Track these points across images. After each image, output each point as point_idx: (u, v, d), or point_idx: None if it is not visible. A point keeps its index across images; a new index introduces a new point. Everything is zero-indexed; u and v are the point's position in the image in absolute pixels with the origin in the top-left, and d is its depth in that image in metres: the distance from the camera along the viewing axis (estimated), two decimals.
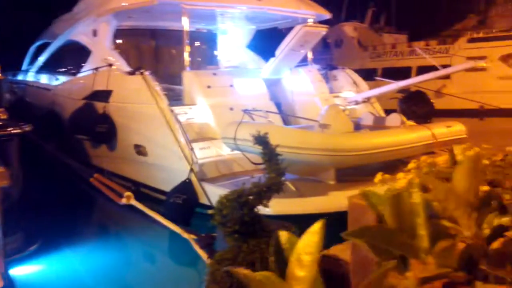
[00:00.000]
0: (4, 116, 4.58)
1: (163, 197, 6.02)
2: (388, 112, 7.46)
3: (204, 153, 6.39)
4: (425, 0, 31.03)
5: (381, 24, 28.21)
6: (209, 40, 10.49)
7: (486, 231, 0.74)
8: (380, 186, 1.46)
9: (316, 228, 0.61)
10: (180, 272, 4.93)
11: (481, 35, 19.95)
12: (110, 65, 7.70)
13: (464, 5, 26.40)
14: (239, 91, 7.62)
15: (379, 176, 1.51)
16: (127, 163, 7.46)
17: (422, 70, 11.15)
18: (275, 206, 4.71)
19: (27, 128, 5.54)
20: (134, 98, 7.00)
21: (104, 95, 7.56)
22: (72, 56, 9.96)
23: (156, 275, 4.99)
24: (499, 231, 0.73)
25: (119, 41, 9.28)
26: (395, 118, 6.70)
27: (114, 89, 7.43)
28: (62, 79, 10.22)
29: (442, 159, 1.55)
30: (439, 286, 0.66)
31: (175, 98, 7.63)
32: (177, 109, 6.71)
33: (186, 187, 5.72)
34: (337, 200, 4.49)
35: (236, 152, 6.19)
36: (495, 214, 0.77)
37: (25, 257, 4.80)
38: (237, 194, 2.25)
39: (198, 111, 7.15)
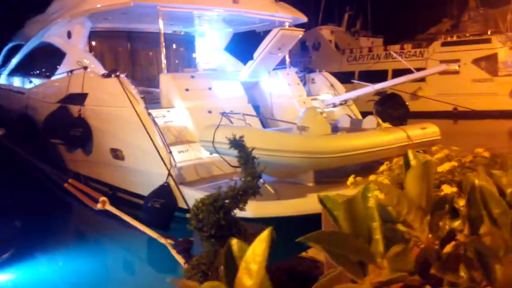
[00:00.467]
0: None
1: (141, 202, 5.94)
2: (365, 114, 7.57)
3: (182, 156, 6.34)
4: (400, 4, 31.69)
5: (357, 27, 28.67)
6: (187, 42, 10.44)
7: (440, 235, 0.75)
8: (353, 188, 1.47)
9: (264, 236, 0.61)
10: (157, 278, 4.87)
11: (454, 39, 20.49)
12: (85, 67, 7.57)
13: (438, 10, 27.09)
14: (217, 94, 7.60)
15: (351, 179, 1.52)
16: (104, 168, 7.33)
17: (398, 73, 11.35)
18: (254, 209, 4.76)
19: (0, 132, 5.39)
20: (110, 101, 6.90)
21: (79, 98, 7.42)
22: (46, 59, 9.75)
23: (133, 281, 4.92)
24: (451, 234, 0.75)
25: (94, 43, 9.13)
26: (371, 121, 6.79)
27: (90, 92, 7.31)
28: (36, 82, 9.99)
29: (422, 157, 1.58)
30: None
31: (152, 101, 7.56)
32: (154, 112, 6.64)
33: (164, 191, 5.65)
34: (315, 202, 4.50)
35: (214, 155, 6.16)
36: (447, 218, 0.79)
37: None
38: (213, 198, 2.24)
39: (176, 114, 7.10)
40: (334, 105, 8.86)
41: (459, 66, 15.75)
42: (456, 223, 0.79)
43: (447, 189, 1.15)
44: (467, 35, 20.81)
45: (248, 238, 2.41)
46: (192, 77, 7.71)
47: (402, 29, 27.73)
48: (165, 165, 5.82)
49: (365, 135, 5.86)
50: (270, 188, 5.21)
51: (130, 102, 6.33)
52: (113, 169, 7.07)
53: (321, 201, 0.76)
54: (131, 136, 6.48)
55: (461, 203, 0.83)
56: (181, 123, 7.05)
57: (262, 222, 3.39)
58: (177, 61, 10.44)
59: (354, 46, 24.85)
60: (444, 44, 20.19)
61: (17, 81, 11.58)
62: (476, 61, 18.96)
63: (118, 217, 4.71)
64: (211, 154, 6.21)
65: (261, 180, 2.57)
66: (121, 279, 4.99)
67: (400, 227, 0.72)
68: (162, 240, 3.61)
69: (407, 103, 9.45)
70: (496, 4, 21.87)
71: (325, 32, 25.27)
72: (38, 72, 10.57)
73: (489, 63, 18.99)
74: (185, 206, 5.47)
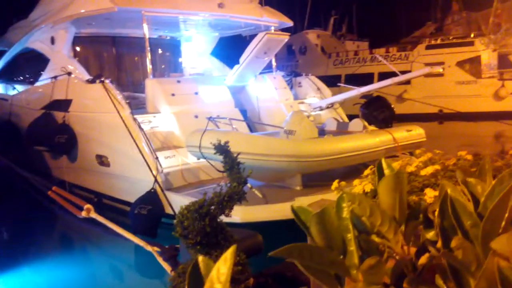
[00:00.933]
0: None
1: (127, 208, 5.87)
2: (352, 117, 7.60)
3: (169, 162, 6.28)
4: (385, 8, 32.07)
5: (343, 31, 28.92)
6: (173, 47, 10.40)
7: (415, 245, 0.74)
8: (337, 193, 1.46)
9: (228, 254, 0.59)
10: (144, 286, 4.81)
11: (438, 42, 20.79)
12: (69, 73, 7.47)
13: (422, 13, 27.49)
14: (204, 98, 7.57)
15: (335, 184, 1.51)
16: (89, 174, 7.24)
17: (384, 76, 11.46)
18: (242, 214, 4.73)
19: None
20: (95, 107, 6.82)
21: (63, 104, 7.33)
22: (30, 65, 9.62)
23: None
24: (426, 245, 0.73)
25: (78, 48, 9.04)
26: (357, 123, 6.82)
27: (74, 98, 7.22)
28: (19, 88, 9.85)
29: (397, 165, 1.58)
30: None
31: (138, 106, 7.49)
32: (140, 117, 6.58)
33: (151, 198, 5.59)
34: (303, 205, 4.51)
35: (202, 160, 6.12)
36: (421, 228, 0.77)
37: None
38: (198, 204, 2.21)
39: (162, 119, 7.04)
40: (321, 109, 8.89)
41: (443, 68, 15.98)
42: (431, 234, 0.78)
43: (430, 193, 1.14)
44: (451, 38, 21.13)
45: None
46: (178, 81, 7.66)
47: (387, 32, 28.09)
48: (151, 171, 5.76)
49: (352, 138, 5.88)
50: (258, 192, 5.19)
51: (115, 107, 6.26)
52: (99, 175, 6.98)
53: (293, 211, 0.74)
54: (117, 142, 6.41)
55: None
56: (167, 128, 7.00)
57: (250, 227, 3.37)
58: (163, 66, 10.38)
59: (340, 49, 25.04)
60: (429, 47, 20.47)
61: (0, 88, 11.39)
62: (460, 64, 19.26)
63: (104, 225, 4.65)
64: (198, 159, 6.16)
65: (249, 185, 2.55)
66: (107, 287, 4.91)
67: (375, 238, 0.71)
68: (149, 248, 3.57)
69: (392, 106, 9.54)
70: (478, 7, 22.26)
71: (311, 36, 25.43)
72: (21, 78, 10.42)
73: (473, 66, 19.30)
74: (172, 212, 5.42)
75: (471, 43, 19.51)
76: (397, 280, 0.67)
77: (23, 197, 7.69)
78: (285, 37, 7.98)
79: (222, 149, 2.40)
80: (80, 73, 7.51)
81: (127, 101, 6.54)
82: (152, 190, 5.64)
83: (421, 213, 0.77)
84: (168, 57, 10.54)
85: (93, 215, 4.09)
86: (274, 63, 9.24)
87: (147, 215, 5.34)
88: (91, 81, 6.88)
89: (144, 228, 5.25)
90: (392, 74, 8.72)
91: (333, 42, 26.31)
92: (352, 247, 0.65)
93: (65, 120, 7.19)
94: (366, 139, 5.84)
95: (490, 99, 18.20)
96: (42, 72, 8.54)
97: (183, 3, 7.58)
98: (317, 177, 5.57)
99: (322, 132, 6.86)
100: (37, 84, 8.68)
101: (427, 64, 16.32)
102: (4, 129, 9.29)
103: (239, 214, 4.68)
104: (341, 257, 0.65)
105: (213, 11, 7.78)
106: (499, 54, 19.30)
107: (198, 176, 6.41)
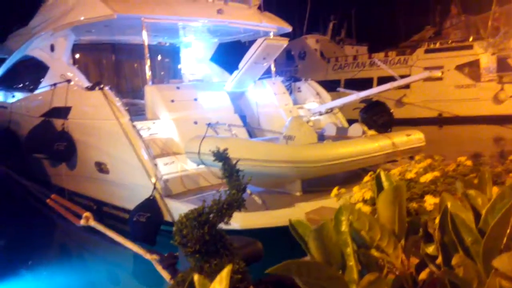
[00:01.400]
0: None
1: (126, 216, 5.84)
2: (352, 121, 7.60)
3: (168, 168, 6.26)
4: (384, 12, 32.18)
5: (342, 36, 29.00)
6: (172, 53, 10.41)
7: (416, 258, 0.72)
8: (336, 200, 1.45)
9: (223, 274, 0.57)
10: None
11: (437, 45, 20.84)
12: (69, 80, 7.47)
13: (421, 18, 27.58)
14: (203, 104, 7.56)
15: (335, 191, 1.49)
16: (89, 182, 7.21)
17: (383, 80, 11.47)
18: (242, 221, 4.70)
19: None
20: (94, 114, 6.81)
21: (63, 111, 7.32)
22: (29, 72, 9.62)
23: None
24: (426, 260, 0.72)
25: (78, 56, 9.05)
26: (356, 128, 6.81)
27: (73, 105, 7.21)
28: (19, 96, 9.85)
29: (397, 171, 1.56)
30: None
31: (138, 113, 7.48)
32: (139, 124, 6.57)
33: (150, 205, 5.57)
34: (303, 211, 4.49)
35: (201, 166, 6.10)
36: (421, 243, 0.76)
37: None
38: (196, 212, 2.19)
39: (161, 125, 7.03)
40: (320, 114, 8.88)
41: (442, 72, 15.99)
42: (431, 248, 0.76)
43: (430, 200, 1.13)
44: (450, 42, 21.19)
45: (234, 253, 2.37)
46: (178, 88, 7.66)
47: (386, 37, 28.17)
48: (151, 178, 5.74)
49: (351, 143, 5.87)
50: (257, 198, 5.17)
51: (114, 114, 6.25)
52: (98, 183, 6.96)
53: (291, 226, 0.72)
54: (116, 149, 6.39)
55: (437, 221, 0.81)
56: (166, 134, 6.99)
57: (250, 234, 3.34)
58: (162, 73, 10.39)
59: (339, 54, 25.11)
60: (428, 51, 20.52)
61: None
62: (459, 68, 19.29)
63: (103, 233, 4.61)
64: (197, 165, 6.15)
65: (248, 191, 2.53)
66: None
67: (374, 252, 0.69)
68: (147, 256, 3.54)
69: (392, 110, 9.54)
70: (477, 11, 22.34)
71: (311, 41, 25.51)
72: (21, 86, 10.42)
73: (472, 69, 19.33)
74: (171, 220, 5.39)
75: (470, 47, 19.56)
76: None
77: (22, 205, 7.67)
78: (284, 43, 7.99)
79: (221, 156, 2.38)
80: (80, 80, 7.51)
81: (126, 108, 6.54)
82: (151, 197, 5.62)
83: (421, 227, 0.75)
84: (167, 63, 10.56)
85: (92, 223, 4.06)
86: (273, 69, 9.25)
87: (146, 222, 5.32)
88: (91, 88, 6.88)
89: (143, 235, 5.22)
90: (391, 79, 8.74)
91: (332, 47, 26.38)
92: (351, 262, 0.63)
93: (65, 127, 7.18)
94: (365, 144, 5.82)
95: (489, 103, 18.21)
96: (41, 80, 8.54)
97: (182, 9, 7.60)
98: (317, 183, 5.56)
99: (321, 137, 6.85)
100: (37, 91, 8.68)
101: (426, 68, 16.37)
102: (3, 137, 9.28)
103: (238, 221, 4.65)
104: (340, 272, 0.63)
105: (212, 17, 7.79)
106: (498, 57, 19.34)
107: (197, 182, 6.39)
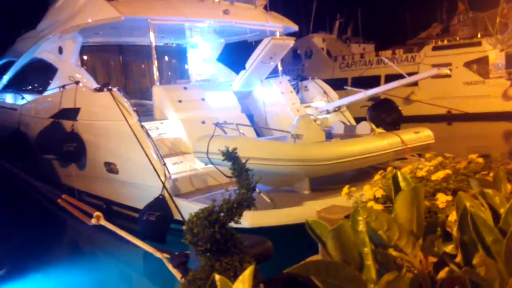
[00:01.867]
0: None
1: (136, 215, 5.88)
2: (359, 120, 7.58)
3: (177, 168, 6.30)
4: (390, 10, 32.00)
5: (349, 34, 28.91)
6: (179, 54, 10.45)
7: (434, 258, 0.73)
8: (347, 199, 1.45)
9: (246, 275, 0.58)
10: None
11: (445, 43, 20.70)
12: (77, 82, 7.54)
13: (427, 15, 27.40)
14: (210, 104, 7.59)
15: (345, 190, 1.50)
16: (98, 182, 7.28)
17: (390, 78, 11.42)
18: (250, 219, 4.72)
19: None
20: (103, 115, 6.86)
21: (72, 113, 7.39)
22: (38, 74, 9.72)
23: None
24: (444, 259, 0.72)
25: (86, 57, 9.12)
26: (365, 126, 6.79)
27: (82, 106, 7.27)
28: (28, 98, 9.94)
29: (408, 169, 1.57)
30: None
31: (146, 113, 7.53)
32: (147, 124, 6.61)
33: (159, 204, 5.60)
34: (312, 210, 4.49)
35: (209, 166, 6.12)
36: (439, 242, 0.76)
37: None
38: (207, 211, 2.20)
39: (169, 125, 7.07)
40: (328, 112, 8.87)
41: (450, 69, 15.90)
42: (449, 247, 0.76)
43: (442, 198, 1.13)
44: (458, 38, 21.03)
45: (244, 251, 2.38)
46: (185, 88, 7.69)
47: (393, 34, 28.02)
48: (160, 177, 5.78)
49: (359, 141, 5.85)
50: (266, 197, 5.18)
51: (123, 115, 6.30)
52: (108, 182, 7.01)
53: (308, 225, 0.73)
54: (125, 149, 6.44)
55: (453, 218, 0.81)
56: (174, 134, 7.02)
57: (259, 232, 3.36)
58: (169, 73, 10.44)
59: (346, 52, 25.03)
60: (435, 48, 20.39)
61: (9, 98, 11.53)
62: (467, 64, 19.15)
63: (114, 232, 4.66)
64: (206, 165, 6.17)
65: (257, 190, 2.54)
66: None
67: (392, 251, 0.70)
68: (158, 255, 3.57)
69: (400, 108, 9.49)
70: (485, 7, 22.15)
71: (317, 39, 25.46)
72: (30, 88, 10.53)
73: (481, 66, 19.19)
74: (180, 218, 5.42)
75: (478, 44, 19.40)
76: None
77: (33, 205, 7.75)
78: (291, 42, 7.99)
79: (230, 155, 2.40)
80: (88, 81, 7.58)
81: (135, 109, 6.58)
82: (161, 196, 5.65)
83: (439, 226, 0.76)
84: (174, 64, 10.60)
85: (103, 222, 4.11)
86: (280, 68, 9.25)
87: (156, 221, 5.35)
88: (99, 90, 6.94)
89: (153, 234, 5.25)
90: (399, 76, 8.69)
91: (338, 45, 26.31)
92: (369, 261, 0.64)
93: (74, 128, 7.24)
94: (374, 142, 5.80)
95: (498, 99, 18.06)
96: (50, 82, 8.62)
97: (188, 10, 7.63)
98: (325, 181, 5.55)
99: (329, 136, 6.84)
100: (46, 93, 8.77)
101: (434, 66, 16.24)
102: (14, 138, 9.38)
103: (247, 219, 4.67)
104: (358, 272, 0.64)
105: (218, 17, 7.82)
106: (507, 53, 19.17)
107: (205, 181, 6.42)
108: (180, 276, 3.23)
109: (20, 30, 11.36)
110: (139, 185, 6.29)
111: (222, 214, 2.27)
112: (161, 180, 5.74)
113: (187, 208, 5.36)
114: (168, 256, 3.48)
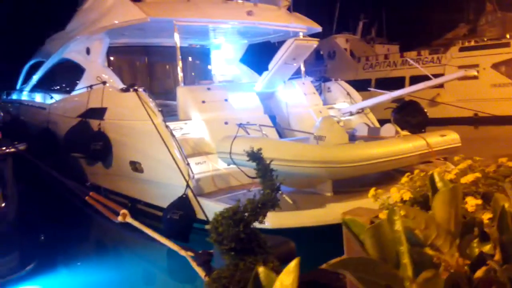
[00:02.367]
0: None
1: (160, 214, 5.98)
2: (383, 122, 7.49)
3: (200, 168, 6.37)
4: (415, 10, 31.47)
5: (373, 35, 28.55)
6: (203, 55, 10.56)
7: (470, 259, 0.73)
8: (374, 201, 1.46)
9: (291, 267, 0.60)
10: None
11: (472, 43, 20.21)
12: (104, 82, 7.72)
13: (454, 15, 26.80)
14: (233, 105, 7.64)
15: (372, 192, 1.51)
16: (123, 180, 7.42)
17: (415, 79, 11.25)
18: (273, 220, 4.74)
19: (22, 147, 5.52)
20: (129, 115, 7.00)
21: (98, 112, 7.56)
22: (66, 74, 9.98)
23: None
24: (482, 258, 0.73)
25: (112, 58, 9.31)
26: (389, 129, 6.72)
27: (109, 106, 7.44)
28: (57, 97, 10.23)
29: (435, 172, 1.56)
30: None
31: (170, 113, 7.64)
32: (172, 124, 6.71)
33: (183, 203, 5.69)
34: (334, 212, 4.48)
35: (232, 166, 6.17)
36: (476, 242, 0.77)
37: (21, 277, 4.73)
38: (232, 211, 2.24)
39: (193, 126, 7.16)
40: (351, 114, 8.80)
41: (478, 71, 15.50)
42: (487, 247, 0.77)
43: (471, 201, 1.13)
44: (485, 39, 20.51)
45: (268, 251, 2.41)
46: (208, 89, 7.77)
47: (418, 35, 27.54)
48: (183, 177, 5.86)
49: (384, 144, 5.79)
50: (288, 198, 5.19)
51: (148, 115, 6.42)
52: (133, 181, 7.15)
53: (345, 224, 0.75)
54: (150, 149, 6.56)
55: (485, 217, 0.81)
56: (198, 135, 7.11)
57: (281, 233, 3.37)
58: (193, 74, 10.55)
59: (369, 53, 24.74)
60: (462, 49, 19.92)
61: (38, 97, 11.87)
62: (495, 66, 18.64)
63: (139, 229, 4.75)
64: (228, 165, 6.23)
65: (279, 191, 2.56)
66: None
67: (428, 251, 0.71)
68: (182, 253, 3.62)
69: (425, 110, 9.33)
70: None
71: (340, 40, 25.25)
72: (58, 87, 10.83)
73: (509, 67, 18.64)
74: (203, 218, 5.49)
75: (507, 44, 18.86)
76: None
77: (61, 202, 7.96)
78: (314, 43, 7.97)
79: (255, 156, 2.42)
80: (115, 82, 7.74)
81: (160, 109, 6.69)
82: (184, 196, 5.73)
83: (476, 227, 0.77)
84: (198, 65, 10.71)
85: (129, 220, 4.19)
86: (303, 69, 9.23)
87: (179, 220, 5.43)
88: (125, 90, 7.08)
89: (177, 232, 5.33)
90: (424, 78, 8.55)
91: (362, 46, 26.02)
92: (406, 260, 0.65)
93: (101, 127, 7.41)
94: (399, 145, 5.74)
95: None
96: (78, 82, 8.85)
97: (212, 12, 7.71)
98: (347, 183, 5.52)
99: (352, 138, 6.79)
100: (74, 93, 9.00)
101: (460, 67, 15.90)
102: (43, 137, 9.65)
103: (270, 220, 4.68)
104: (395, 270, 0.66)
105: (242, 18, 7.87)
106: None
107: (228, 182, 6.47)
108: (203, 274, 3.27)
109: (49, 31, 11.69)
110: (163, 184, 6.39)
111: (246, 214, 2.30)
112: (185, 180, 5.82)
113: (210, 208, 5.42)
114: (192, 254, 3.52)
